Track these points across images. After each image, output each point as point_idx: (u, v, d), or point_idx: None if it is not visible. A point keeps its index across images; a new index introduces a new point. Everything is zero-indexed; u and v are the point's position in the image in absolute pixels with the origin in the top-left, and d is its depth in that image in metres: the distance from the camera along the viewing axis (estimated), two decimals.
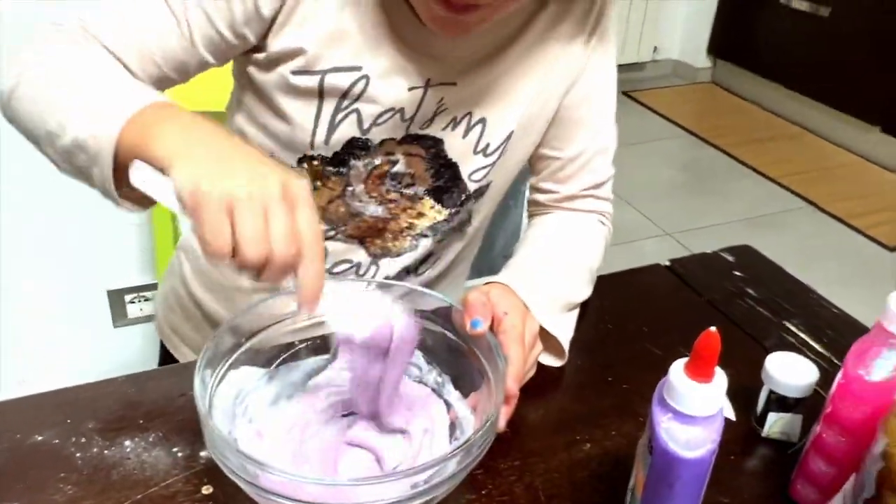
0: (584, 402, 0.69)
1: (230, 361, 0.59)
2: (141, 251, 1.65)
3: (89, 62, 0.61)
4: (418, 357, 0.65)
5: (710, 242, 0.97)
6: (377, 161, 0.74)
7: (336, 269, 0.81)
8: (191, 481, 0.58)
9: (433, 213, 0.80)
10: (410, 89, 0.70)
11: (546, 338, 0.70)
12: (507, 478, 0.60)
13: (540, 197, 0.84)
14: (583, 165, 0.81)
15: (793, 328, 0.79)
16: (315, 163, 0.74)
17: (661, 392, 0.49)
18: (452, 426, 0.62)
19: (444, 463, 0.51)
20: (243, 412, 0.60)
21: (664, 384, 0.49)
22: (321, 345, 0.65)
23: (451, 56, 0.71)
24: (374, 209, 0.78)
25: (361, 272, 0.82)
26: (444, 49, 0.70)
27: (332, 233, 0.79)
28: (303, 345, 0.65)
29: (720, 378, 0.48)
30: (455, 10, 0.61)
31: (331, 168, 0.74)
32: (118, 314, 1.69)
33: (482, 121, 0.75)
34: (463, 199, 0.79)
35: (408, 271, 0.83)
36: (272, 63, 0.69)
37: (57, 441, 0.60)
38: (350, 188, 0.76)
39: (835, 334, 0.78)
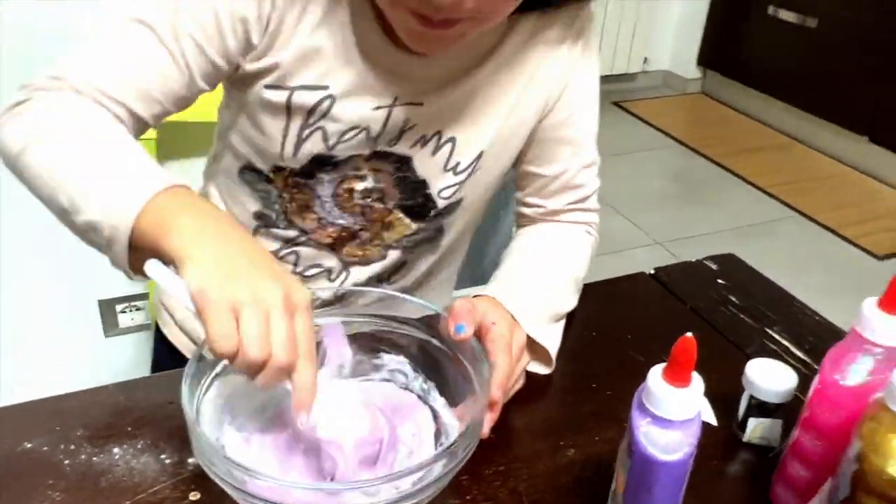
0: (568, 409, 0.70)
1: (217, 370, 0.59)
2: None
3: (97, 135, 0.62)
4: (404, 364, 0.66)
5: (699, 251, 0.98)
6: (345, 176, 0.76)
7: (308, 273, 0.83)
8: (178, 488, 0.58)
9: (402, 226, 0.81)
10: (376, 108, 0.71)
11: (534, 347, 0.71)
12: (492, 483, 0.61)
13: (526, 210, 0.85)
14: (567, 182, 0.82)
15: (775, 335, 0.81)
16: (286, 173, 0.76)
17: (640, 397, 0.50)
18: (438, 433, 0.63)
19: (430, 467, 0.52)
20: (231, 419, 0.61)
21: (643, 389, 0.50)
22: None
23: (419, 76, 0.72)
24: (343, 219, 0.79)
25: (333, 277, 0.83)
26: (412, 69, 0.71)
27: (303, 238, 0.81)
28: None
29: (697, 383, 0.49)
30: (433, 26, 0.61)
31: (300, 179, 0.76)
32: (109, 323, 1.70)
33: (452, 139, 0.76)
34: (432, 213, 0.80)
35: (379, 279, 0.85)
36: (250, 77, 0.70)
37: (46, 448, 0.61)
38: (319, 199, 0.77)
39: (816, 341, 0.80)
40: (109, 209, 0.56)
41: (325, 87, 0.70)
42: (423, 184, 0.78)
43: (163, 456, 0.61)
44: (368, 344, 0.67)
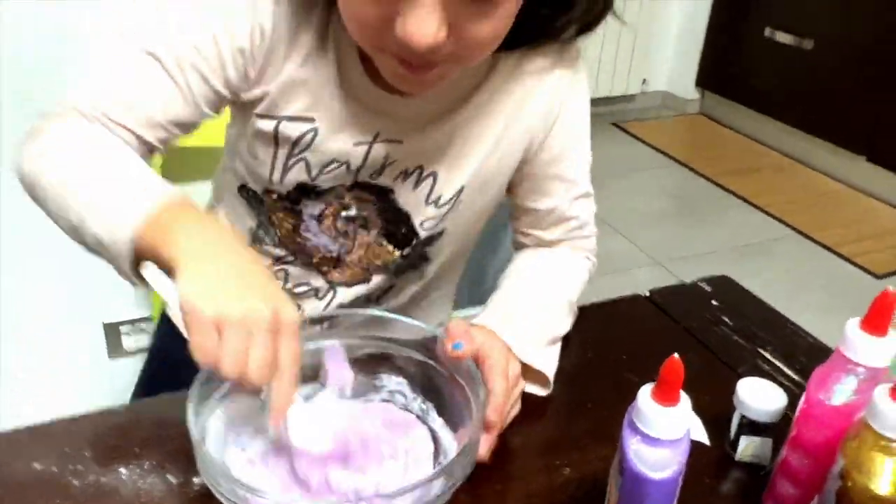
0: (564, 428, 0.72)
1: (223, 392, 0.61)
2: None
3: (102, 156, 0.65)
4: (403, 385, 0.68)
5: (699, 270, 0.99)
6: (329, 203, 0.78)
7: (297, 290, 0.85)
8: None
9: (385, 253, 0.83)
10: (356, 144, 0.74)
11: (531, 371, 0.72)
12: (488, 502, 0.62)
13: (523, 239, 0.87)
14: (561, 215, 0.83)
15: (767, 355, 0.82)
16: (275, 196, 0.79)
17: (630, 416, 0.52)
18: (437, 452, 0.65)
19: (428, 485, 0.54)
20: (235, 440, 0.62)
21: (633, 409, 0.52)
22: (310, 374, 0.68)
23: (400, 115, 0.74)
24: (327, 244, 0.81)
25: (320, 296, 0.86)
26: (394, 108, 0.73)
27: (290, 258, 0.84)
28: None
29: (685, 402, 0.50)
30: (413, 69, 0.63)
31: (288, 203, 0.79)
32: (113, 346, 1.71)
33: (433, 174, 0.77)
34: (414, 243, 0.82)
35: (367, 299, 0.87)
36: (247, 106, 0.74)
37: (55, 469, 0.62)
38: (305, 223, 0.80)
39: (807, 360, 0.81)
40: (112, 224, 0.59)
41: (310, 120, 0.73)
42: (405, 215, 0.80)
43: (169, 476, 0.62)
44: (367, 365, 0.69)
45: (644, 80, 3.67)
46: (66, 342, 1.66)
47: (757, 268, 2.48)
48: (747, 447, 0.67)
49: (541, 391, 0.74)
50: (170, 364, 0.89)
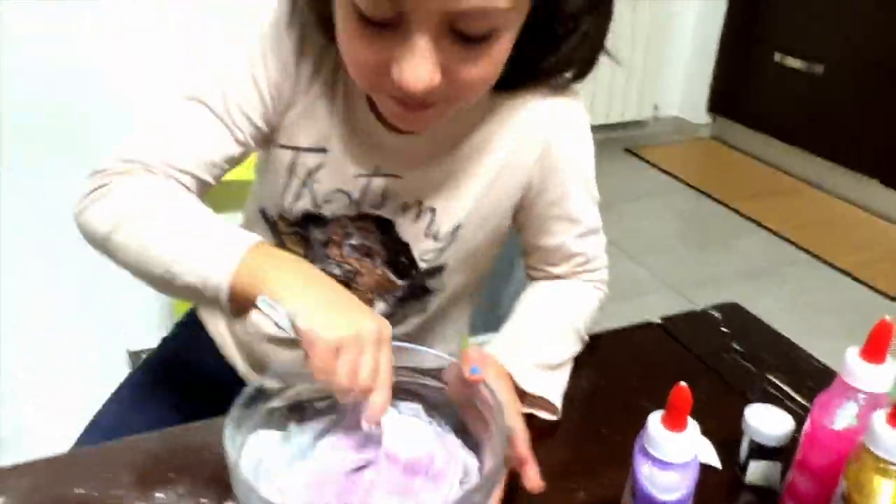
0: (578, 453, 0.74)
1: (254, 419, 0.64)
2: (161, 312, 1.71)
3: (175, 208, 0.70)
4: (419, 411, 0.70)
5: (712, 295, 1.01)
6: (335, 232, 0.83)
7: None
8: None
9: (387, 282, 0.86)
10: (357, 176, 0.78)
11: (538, 396, 0.75)
12: None
13: (534, 273, 0.90)
14: (568, 251, 0.85)
15: (775, 380, 0.85)
16: (287, 222, 0.83)
17: (641, 441, 0.55)
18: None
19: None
20: (265, 473, 0.65)
21: (644, 434, 0.54)
22: (328, 406, 0.69)
23: (400, 151, 0.78)
24: (332, 270, 0.85)
25: None
26: (394, 145, 0.77)
27: None
28: (310, 405, 0.70)
29: (693, 428, 0.53)
30: (410, 109, 0.67)
31: (297, 229, 0.84)
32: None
33: (431, 209, 0.80)
34: (414, 273, 0.85)
35: None
36: (268, 136, 0.79)
37: (96, 494, 0.66)
38: (312, 249, 0.84)
39: (814, 385, 0.83)
40: (206, 275, 0.65)
41: (321, 150, 0.78)
42: (405, 245, 0.83)
43: (203, 500, 0.65)
44: None
45: (655, 106, 3.70)
46: (91, 370, 1.70)
47: (771, 292, 2.49)
48: (756, 471, 0.70)
49: (550, 416, 0.77)
50: (170, 374, 0.95)
